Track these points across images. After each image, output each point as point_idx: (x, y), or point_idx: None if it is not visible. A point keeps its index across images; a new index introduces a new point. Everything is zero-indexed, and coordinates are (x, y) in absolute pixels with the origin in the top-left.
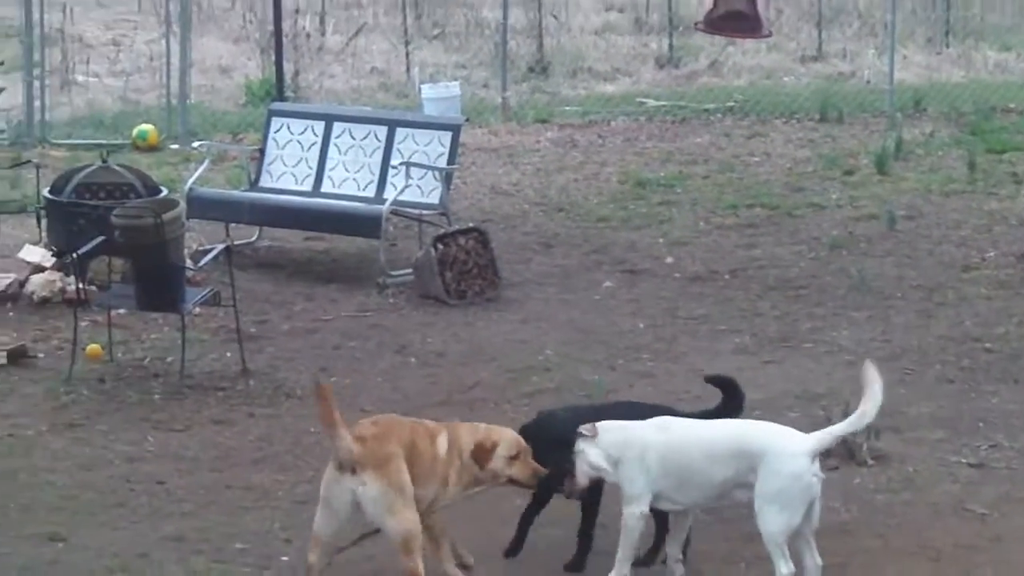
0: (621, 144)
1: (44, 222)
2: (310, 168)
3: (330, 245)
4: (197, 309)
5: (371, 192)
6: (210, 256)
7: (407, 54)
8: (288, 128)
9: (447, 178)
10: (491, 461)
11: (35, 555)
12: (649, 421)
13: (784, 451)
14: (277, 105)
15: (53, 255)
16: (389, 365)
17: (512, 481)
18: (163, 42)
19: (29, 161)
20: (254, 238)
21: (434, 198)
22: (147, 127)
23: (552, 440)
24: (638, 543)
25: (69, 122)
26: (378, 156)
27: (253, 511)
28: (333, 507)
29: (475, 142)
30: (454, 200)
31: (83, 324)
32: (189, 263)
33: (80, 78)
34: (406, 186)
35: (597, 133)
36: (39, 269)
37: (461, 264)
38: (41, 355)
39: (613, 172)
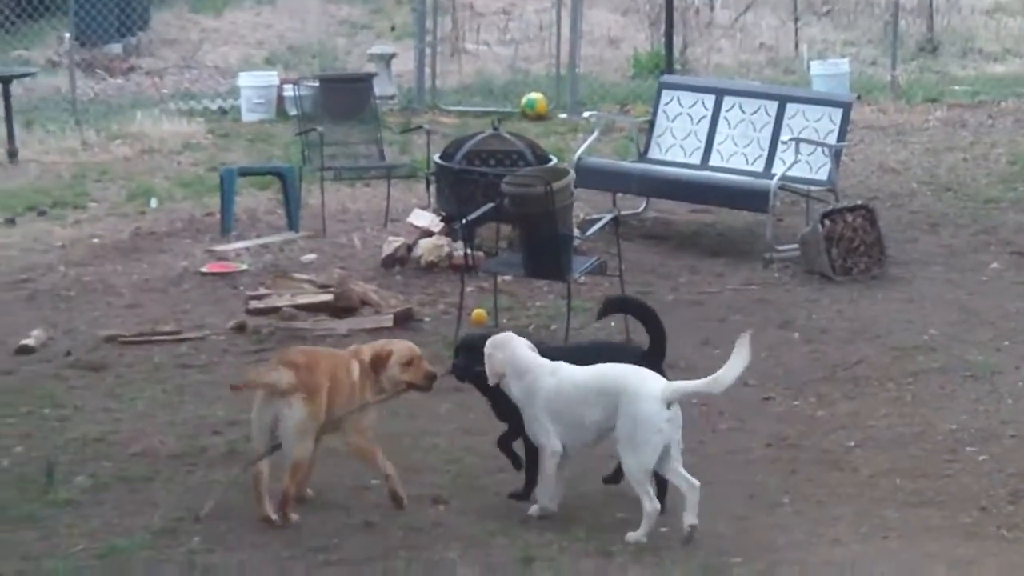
0: (1011, 125)
1: (433, 187)
2: (699, 141)
3: (716, 218)
4: (583, 278)
5: (759, 167)
6: (598, 226)
7: (796, 30)
8: (678, 101)
9: (836, 155)
10: (387, 368)
11: (419, 516)
12: (546, 365)
13: (637, 394)
14: (668, 78)
15: (441, 220)
16: (773, 340)
17: (410, 385)
18: (553, 12)
19: (421, 127)
20: (641, 209)
21: (822, 174)
22: (536, 96)
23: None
24: (554, 478)
25: (458, 89)
26: (767, 131)
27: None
28: (259, 425)
29: (863, 119)
30: (841, 177)
31: (469, 289)
32: (577, 232)
33: (470, 46)
34: (795, 162)
35: (987, 113)
36: (427, 234)
37: (848, 241)
38: (427, 319)
39: (1003, 153)
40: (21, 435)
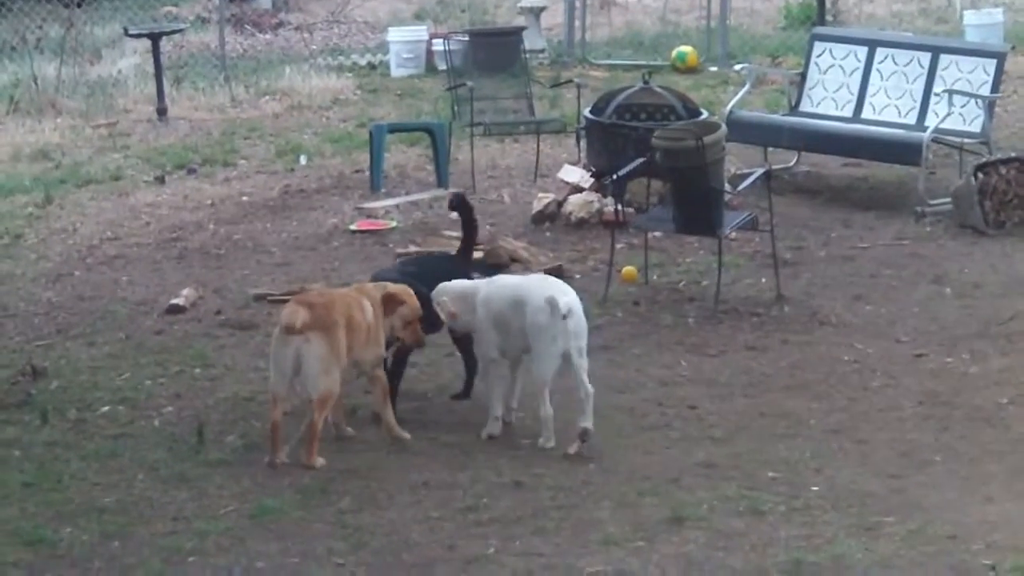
0: None
1: (583, 142)
2: (851, 94)
3: (868, 172)
4: (734, 233)
5: (912, 119)
6: (749, 180)
7: None
8: (830, 53)
9: (990, 107)
10: (394, 314)
11: (568, 475)
12: (482, 281)
13: (532, 303)
14: (820, 30)
15: (591, 176)
16: (924, 295)
17: (399, 341)
18: None
19: (571, 80)
20: (792, 163)
21: (976, 126)
22: (686, 49)
23: None
24: (499, 388)
25: (608, 42)
26: (920, 83)
27: (785, 439)
28: (280, 366)
29: (1017, 70)
30: (995, 129)
31: (619, 246)
32: (728, 187)
33: None
34: (948, 114)
35: None
36: (577, 189)
37: (1001, 194)
38: (577, 276)
39: None
40: (172, 395)
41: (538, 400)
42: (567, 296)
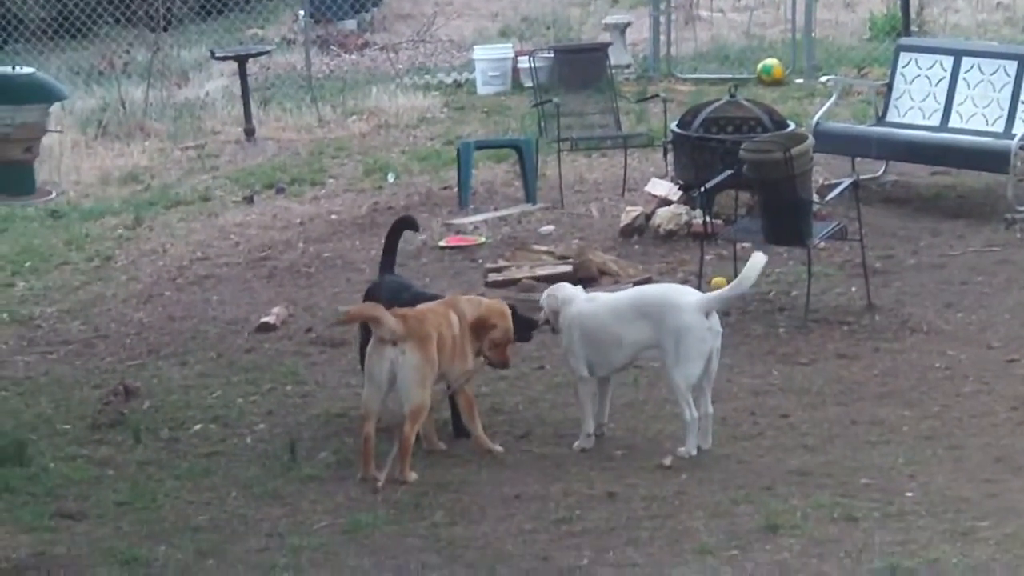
0: None
1: (670, 156)
2: (938, 103)
3: (956, 180)
4: (823, 243)
5: (999, 127)
6: (837, 190)
7: None
8: (916, 63)
9: None
10: (482, 338)
11: (661, 486)
12: (583, 294)
13: (675, 306)
14: (906, 40)
15: (679, 188)
16: (1016, 301)
17: (487, 360)
18: None
19: (657, 95)
20: (880, 173)
21: None
22: (772, 61)
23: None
24: (590, 405)
25: (693, 57)
26: (1007, 91)
27: (878, 446)
28: (375, 378)
29: None
30: None
31: (708, 257)
32: (816, 197)
33: (704, 13)
34: None
35: None
36: (665, 202)
37: None
38: None
39: None
40: (264, 412)
41: (682, 407)
42: (698, 295)
